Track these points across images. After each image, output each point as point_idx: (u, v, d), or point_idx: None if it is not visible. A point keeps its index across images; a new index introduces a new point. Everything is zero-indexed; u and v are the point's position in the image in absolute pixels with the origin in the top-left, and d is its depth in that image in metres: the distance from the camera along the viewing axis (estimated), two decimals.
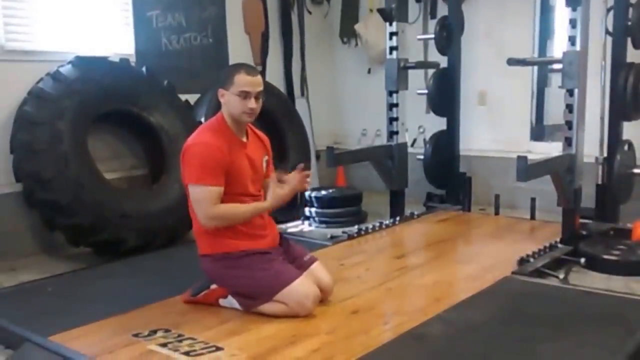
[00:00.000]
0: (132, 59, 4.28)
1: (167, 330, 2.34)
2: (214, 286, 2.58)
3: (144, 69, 4.11)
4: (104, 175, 3.74)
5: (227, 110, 2.51)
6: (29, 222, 3.76)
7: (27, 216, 3.72)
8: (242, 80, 2.44)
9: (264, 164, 2.62)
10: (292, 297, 2.40)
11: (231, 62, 5.00)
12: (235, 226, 2.46)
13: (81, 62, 3.77)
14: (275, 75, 5.39)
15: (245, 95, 2.44)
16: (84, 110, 3.67)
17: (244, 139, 2.56)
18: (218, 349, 2.18)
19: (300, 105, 5.52)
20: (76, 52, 3.90)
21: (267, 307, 2.45)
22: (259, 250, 2.48)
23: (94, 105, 3.75)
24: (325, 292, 2.53)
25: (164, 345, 2.22)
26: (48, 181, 3.43)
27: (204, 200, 2.39)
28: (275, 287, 2.40)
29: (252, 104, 2.46)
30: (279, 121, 5.04)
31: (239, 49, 5.11)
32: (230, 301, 2.54)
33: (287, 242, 2.65)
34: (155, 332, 2.33)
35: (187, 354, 2.14)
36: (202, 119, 4.42)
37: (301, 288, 2.41)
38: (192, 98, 4.54)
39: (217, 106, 4.51)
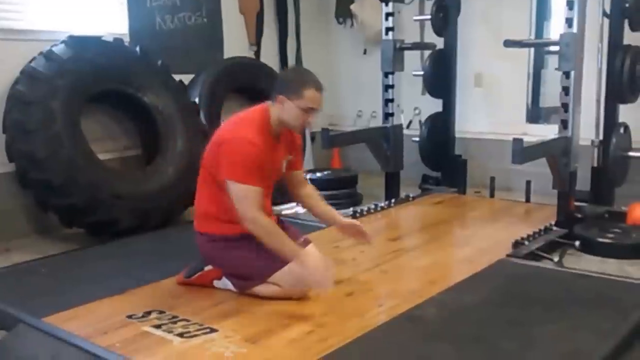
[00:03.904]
0: (126, 39, 4.23)
1: (161, 312, 2.34)
2: (208, 267, 2.57)
3: (137, 48, 4.06)
4: (97, 155, 3.71)
5: (281, 116, 2.42)
6: (22, 203, 3.74)
7: (20, 196, 3.70)
8: (312, 97, 2.37)
9: (284, 164, 2.58)
10: (286, 279, 2.39)
11: (226, 42, 4.98)
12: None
13: (74, 42, 3.73)
14: (270, 55, 5.35)
15: (309, 110, 2.40)
16: (77, 90, 3.63)
17: (278, 140, 2.51)
18: (212, 330, 2.18)
19: None
20: (69, 31, 3.86)
21: (261, 289, 2.45)
22: None
23: (87, 85, 3.72)
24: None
25: (158, 326, 2.22)
26: (41, 161, 3.40)
27: (247, 199, 2.32)
28: (269, 269, 2.40)
29: (312, 119, 2.43)
30: None
31: (233, 29, 5.06)
32: (225, 282, 2.54)
33: (281, 225, 2.64)
34: (149, 313, 2.33)
35: (181, 335, 2.14)
36: (197, 100, 4.41)
37: (290, 274, 2.38)
38: (186, 78, 4.50)
39: (212, 87, 4.55)
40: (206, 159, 2.50)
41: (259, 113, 2.47)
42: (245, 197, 2.32)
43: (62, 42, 3.71)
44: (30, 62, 3.64)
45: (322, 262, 2.42)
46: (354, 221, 2.71)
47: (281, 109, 2.41)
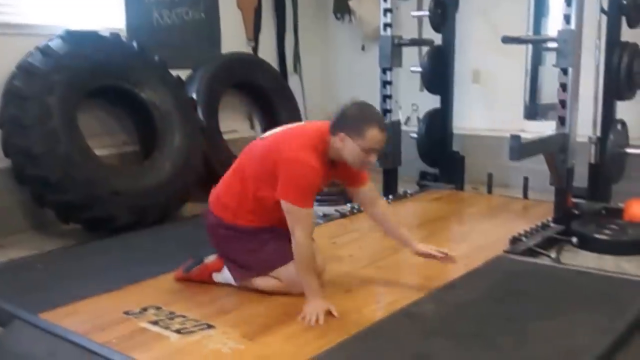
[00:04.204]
0: (123, 34, 4.21)
1: (158, 308, 2.34)
2: (208, 260, 2.57)
3: (134, 43, 4.04)
4: (94, 151, 3.70)
5: (341, 153, 2.31)
6: (19, 198, 3.73)
7: (16, 192, 3.69)
8: (374, 138, 2.26)
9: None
10: (287, 275, 2.39)
11: (223, 38, 4.96)
12: (268, 217, 2.41)
13: (71, 37, 3.71)
14: (267, 51, 5.34)
15: (370, 151, 2.28)
16: (74, 86, 3.62)
17: (334, 165, 2.40)
18: (210, 326, 2.18)
19: (293, 81, 5.47)
20: (66, 26, 3.83)
21: (260, 282, 2.44)
22: (271, 228, 2.44)
23: (84, 80, 3.70)
24: (317, 271, 2.52)
25: (155, 322, 2.21)
26: (38, 157, 3.39)
27: (301, 222, 2.26)
28: (273, 263, 2.40)
29: (373, 159, 2.31)
30: (271, 98, 5.01)
31: (231, 24, 5.04)
32: (224, 276, 2.53)
33: None
34: (146, 309, 2.32)
35: (178, 331, 2.14)
36: (194, 95, 4.39)
37: (292, 272, 2.37)
38: (183, 74, 4.49)
39: (209, 83, 4.54)
40: (251, 160, 2.42)
41: (319, 138, 2.33)
42: (299, 219, 2.26)
43: (59, 36, 3.69)
44: (27, 57, 3.62)
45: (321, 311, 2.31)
46: (430, 248, 2.54)
47: (342, 146, 2.29)
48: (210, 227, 2.51)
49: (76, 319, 2.27)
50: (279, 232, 2.41)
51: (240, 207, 2.43)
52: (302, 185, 2.26)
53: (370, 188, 2.55)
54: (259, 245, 2.43)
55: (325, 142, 2.32)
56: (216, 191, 2.53)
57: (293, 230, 2.27)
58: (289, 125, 2.53)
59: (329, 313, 2.24)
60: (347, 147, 2.28)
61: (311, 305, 2.25)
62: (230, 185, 2.47)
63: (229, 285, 2.54)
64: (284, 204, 2.27)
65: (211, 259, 2.58)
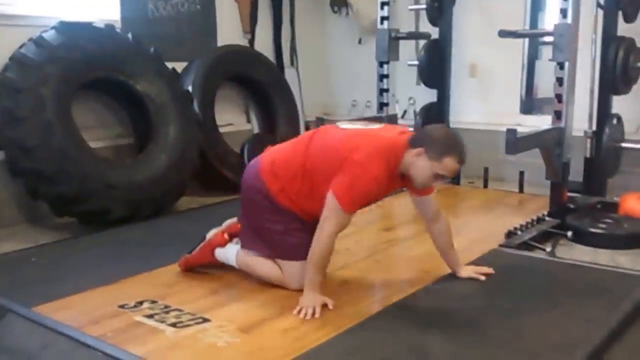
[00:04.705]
0: (118, 25, 4.17)
1: (153, 302, 2.33)
2: (209, 235, 2.57)
3: (129, 35, 4.01)
4: (89, 144, 3.68)
5: (411, 167, 2.26)
6: (12, 191, 3.70)
7: (10, 185, 3.66)
8: (451, 168, 2.22)
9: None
10: (290, 270, 2.39)
11: (219, 30, 4.93)
12: (310, 206, 2.36)
13: (65, 28, 3.67)
14: (264, 44, 5.30)
15: (440, 177, 2.26)
16: (68, 77, 3.59)
17: (402, 178, 2.34)
18: (205, 320, 2.17)
19: (289, 75, 5.44)
20: (60, 17, 3.80)
21: (261, 264, 2.45)
22: (302, 221, 2.42)
23: (79, 72, 3.67)
24: None
25: (150, 316, 2.21)
26: (31, 149, 3.36)
27: (336, 219, 2.23)
28: (287, 253, 2.39)
29: (438, 184, 2.32)
30: (267, 91, 4.99)
31: (227, 16, 5.01)
32: (227, 255, 2.53)
33: None
34: (141, 303, 2.32)
35: (173, 325, 2.13)
36: (190, 88, 4.37)
37: (298, 270, 2.37)
38: (179, 66, 4.46)
39: (205, 76, 4.51)
40: (323, 146, 2.33)
41: (394, 151, 2.26)
42: (336, 217, 2.22)
43: (53, 28, 3.65)
44: (20, 48, 3.59)
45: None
46: (471, 272, 2.55)
47: (415, 160, 2.24)
48: (249, 187, 2.44)
49: (70, 312, 2.26)
50: (307, 230, 2.38)
51: (290, 184, 2.36)
52: (359, 192, 2.22)
53: (434, 202, 2.48)
54: (284, 231, 2.39)
55: (397, 157, 2.26)
56: (273, 156, 2.44)
57: (324, 223, 2.22)
58: (370, 125, 2.46)
59: (324, 306, 2.23)
60: (420, 164, 2.23)
61: (308, 299, 2.24)
62: (290, 159, 2.39)
63: (224, 277, 2.54)
64: (330, 198, 2.21)
65: (213, 232, 2.58)
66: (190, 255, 2.62)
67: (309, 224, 2.39)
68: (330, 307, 2.24)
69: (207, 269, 2.64)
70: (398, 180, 2.33)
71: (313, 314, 2.19)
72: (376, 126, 2.45)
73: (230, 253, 2.54)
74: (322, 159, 2.32)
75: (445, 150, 2.21)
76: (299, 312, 2.21)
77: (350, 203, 2.23)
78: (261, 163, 2.44)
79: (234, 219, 2.66)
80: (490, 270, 2.56)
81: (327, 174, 2.27)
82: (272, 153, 2.48)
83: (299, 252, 2.35)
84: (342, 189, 2.21)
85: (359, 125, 2.43)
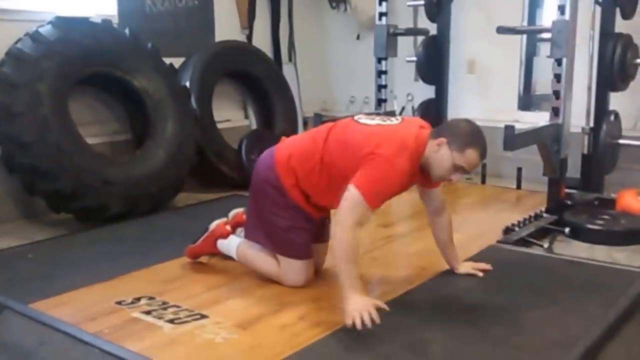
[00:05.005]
0: (115, 20, 4.16)
1: (151, 298, 2.32)
2: (212, 226, 2.58)
3: (127, 30, 3.99)
4: (85, 140, 3.66)
5: (431, 158, 2.21)
6: (9, 187, 3.69)
7: (6, 181, 3.65)
8: (472, 160, 2.19)
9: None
10: (288, 267, 2.39)
11: (217, 25, 4.91)
12: (324, 202, 2.34)
13: (62, 23, 3.65)
14: (262, 39, 5.29)
15: (460, 169, 2.21)
16: (65, 73, 3.57)
17: (421, 171, 2.29)
18: (203, 316, 2.17)
19: (287, 70, 5.43)
20: (56, 11, 3.78)
21: (262, 259, 2.45)
22: (310, 220, 2.40)
23: (75, 67, 3.65)
24: (317, 270, 2.53)
25: (147, 312, 2.20)
26: (28, 145, 3.35)
27: (356, 211, 2.13)
28: (289, 251, 2.37)
29: (456, 176, 2.24)
30: (265, 87, 4.98)
31: (225, 12, 4.99)
32: (229, 246, 2.54)
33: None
34: (139, 299, 2.31)
35: (171, 321, 2.13)
36: (187, 84, 4.36)
37: (295, 268, 2.37)
38: (176, 62, 4.45)
39: (203, 71, 4.50)
40: (345, 141, 2.27)
41: (416, 146, 2.21)
42: (358, 211, 2.13)
43: (49, 22, 3.63)
44: (16, 43, 3.57)
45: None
46: (469, 268, 2.54)
47: (435, 151, 2.19)
48: (261, 176, 2.39)
49: (67, 309, 2.25)
50: (311, 230, 2.38)
51: (306, 179, 2.31)
52: (384, 187, 2.17)
53: (440, 197, 2.47)
54: (288, 228, 2.36)
55: (419, 152, 2.21)
56: (290, 149, 2.38)
57: (345, 217, 2.12)
58: (388, 119, 2.37)
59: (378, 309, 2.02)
60: (441, 155, 2.19)
61: (356, 303, 2.01)
62: (308, 153, 2.33)
63: (222, 274, 2.54)
64: (353, 192, 2.11)
65: (216, 223, 2.58)
66: (194, 245, 2.64)
67: (315, 224, 2.39)
68: (386, 308, 2.05)
69: (210, 260, 2.68)
70: (417, 175, 2.29)
71: (373, 321, 1.96)
72: (395, 121, 2.37)
73: (231, 245, 2.55)
74: (342, 153, 2.26)
75: (469, 141, 2.18)
76: (353, 323, 1.95)
77: (375, 198, 2.16)
78: (277, 155, 2.39)
79: (240, 209, 2.66)
80: (488, 266, 2.56)
81: (346, 168, 2.21)
82: (289, 146, 2.41)
83: (299, 251, 2.35)
84: (367, 183, 2.13)
85: (377, 120, 2.37)
